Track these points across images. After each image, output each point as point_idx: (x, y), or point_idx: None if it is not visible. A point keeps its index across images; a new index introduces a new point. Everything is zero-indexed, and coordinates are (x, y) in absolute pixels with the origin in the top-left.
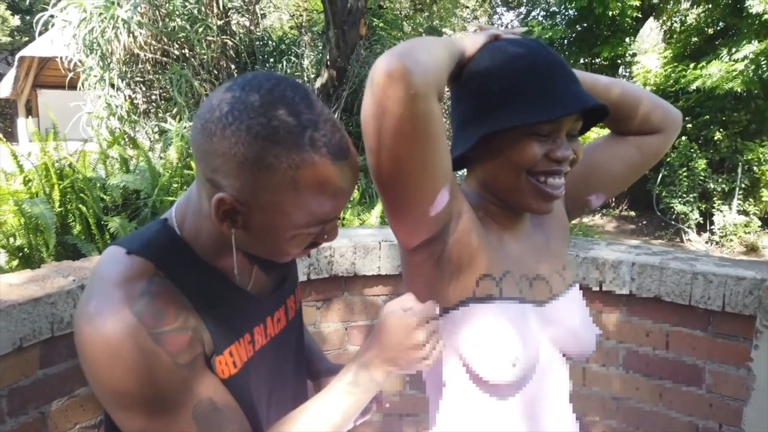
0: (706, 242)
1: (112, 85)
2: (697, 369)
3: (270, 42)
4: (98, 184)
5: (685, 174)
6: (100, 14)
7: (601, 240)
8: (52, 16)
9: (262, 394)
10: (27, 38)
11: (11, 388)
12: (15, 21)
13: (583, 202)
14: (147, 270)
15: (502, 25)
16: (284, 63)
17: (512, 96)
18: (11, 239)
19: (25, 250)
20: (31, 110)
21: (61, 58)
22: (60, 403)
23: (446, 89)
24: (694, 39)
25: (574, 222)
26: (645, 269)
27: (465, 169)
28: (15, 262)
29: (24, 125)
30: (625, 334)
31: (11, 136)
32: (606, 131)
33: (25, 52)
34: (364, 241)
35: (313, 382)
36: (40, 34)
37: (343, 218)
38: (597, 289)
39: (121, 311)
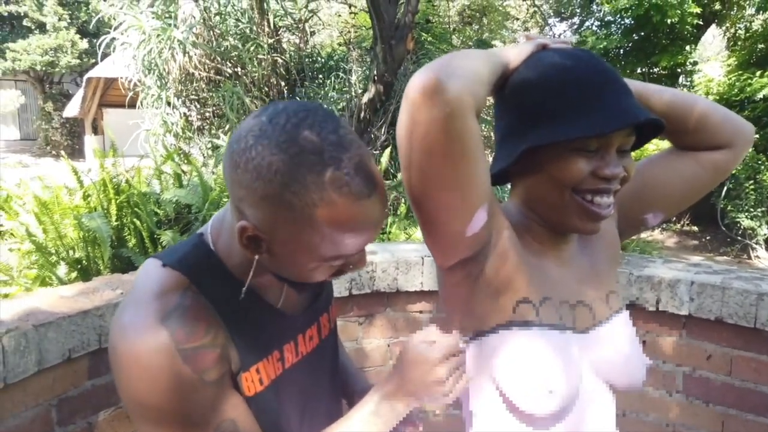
0: None
1: (169, 103)
2: (763, 396)
3: (319, 59)
4: (152, 199)
5: (752, 187)
6: (158, 36)
7: (657, 257)
8: (113, 39)
9: (293, 412)
10: (94, 60)
11: (60, 398)
12: (83, 44)
13: (639, 221)
14: (181, 284)
15: (554, 36)
16: (332, 79)
17: (557, 109)
18: (71, 252)
19: (84, 262)
20: (96, 128)
21: (120, 78)
22: (107, 413)
23: (491, 101)
24: (761, 46)
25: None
26: (705, 289)
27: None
28: (74, 274)
29: (90, 143)
30: (683, 358)
31: (79, 153)
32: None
33: (92, 73)
34: (406, 257)
35: (347, 402)
36: (103, 55)
37: (389, 232)
38: (653, 309)
39: (153, 325)
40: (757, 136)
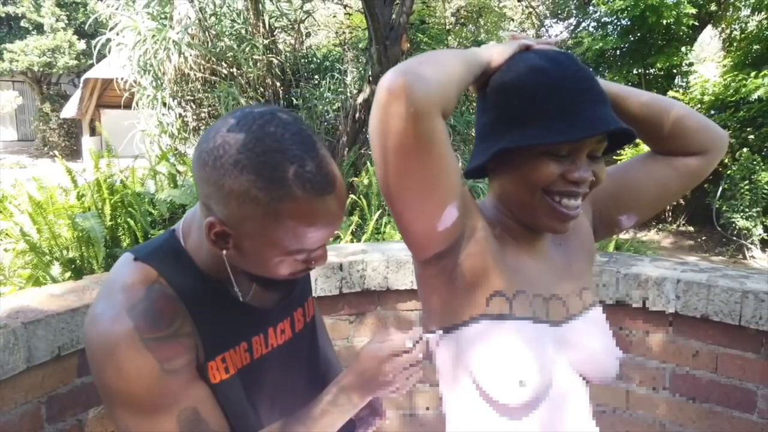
0: None
1: (164, 104)
2: (748, 393)
3: (314, 59)
4: (147, 199)
5: (747, 187)
6: (153, 36)
7: (644, 255)
8: (109, 40)
9: (263, 400)
10: (91, 61)
11: (50, 395)
12: (81, 45)
13: (614, 222)
14: (149, 277)
15: (549, 37)
16: (328, 79)
17: (533, 113)
18: (65, 252)
19: (78, 262)
20: (94, 129)
21: (116, 79)
22: (96, 411)
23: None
24: (756, 47)
25: (624, 237)
26: (691, 287)
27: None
28: (68, 274)
29: (87, 143)
30: (670, 355)
31: (77, 154)
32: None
33: (89, 74)
34: (396, 255)
35: None
36: (99, 56)
37: (384, 232)
38: (640, 307)
39: (119, 316)
40: (753, 136)
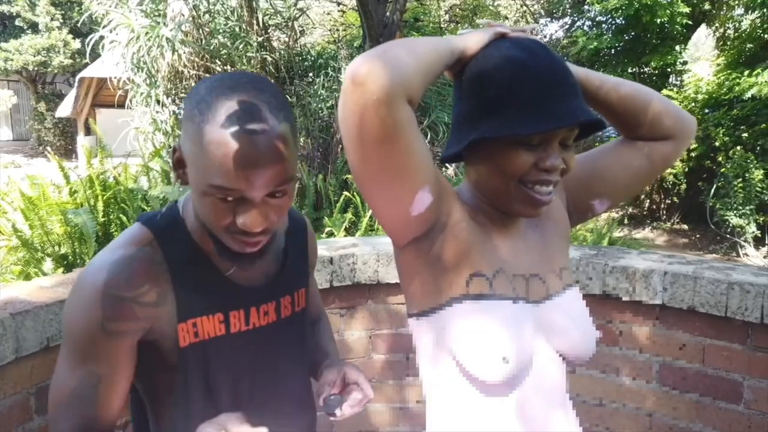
0: (765, 257)
1: (158, 101)
2: (735, 384)
3: (309, 57)
4: (140, 195)
5: (740, 185)
6: (147, 34)
7: (632, 249)
8: (102, 37)
9: (238, 376)
10: (87, 61)
11: (39, 387)
12: (76, 44)
13: (587, 206)
14: (144, 239)
15: (545, 37)
16: (322, 77)
17: (506, 104)
18: (57, 248)
19: (70, 258)
20: (89, 128)
21: (110, 78)
22: None
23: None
24: (749, 45)
25: (618, 234)
26: (678, 279)
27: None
28: (60, 270)
29: (82, 143)
30: (658, 347)
31: (72, 153)
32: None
33: (84, 73)
34: (387, 249)
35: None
36: (94, 55)
37: (377, 229)
38: (627, 299)
39: (102, 266)
40: (746, 134)
